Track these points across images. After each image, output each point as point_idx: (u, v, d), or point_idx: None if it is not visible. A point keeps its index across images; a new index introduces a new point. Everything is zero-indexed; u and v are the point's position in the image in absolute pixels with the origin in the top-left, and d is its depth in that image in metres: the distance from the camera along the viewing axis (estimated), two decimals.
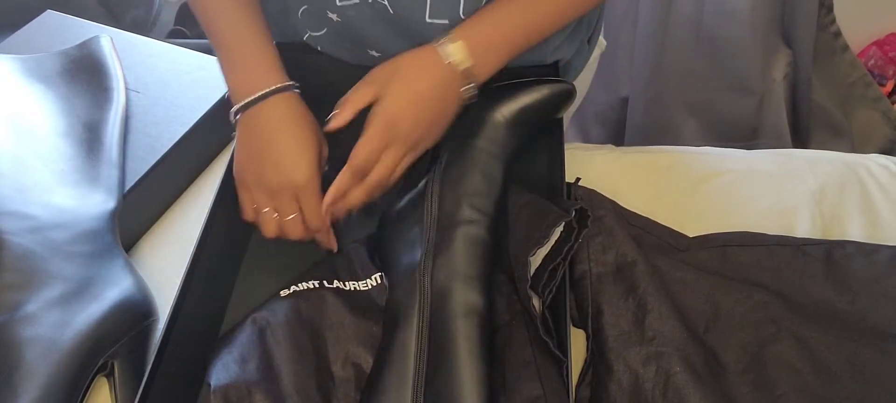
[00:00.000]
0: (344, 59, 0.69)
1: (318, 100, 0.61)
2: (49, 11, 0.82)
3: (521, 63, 0.62)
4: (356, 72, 0.59)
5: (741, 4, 1.26)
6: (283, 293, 0.57)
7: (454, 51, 0.51)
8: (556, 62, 0.69)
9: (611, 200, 0.65)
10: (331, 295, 0.56)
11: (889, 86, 1.52)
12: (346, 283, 0.57)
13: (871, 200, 0.68)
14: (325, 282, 0.57)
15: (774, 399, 0.52)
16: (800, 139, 1.38)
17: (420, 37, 0.58)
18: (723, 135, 1.39)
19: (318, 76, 0.71)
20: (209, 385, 0.51)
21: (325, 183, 0.56)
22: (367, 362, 0.52)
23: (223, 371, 0.51)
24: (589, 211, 0.55)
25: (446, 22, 0.58)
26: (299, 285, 0.57)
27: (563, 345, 0.51)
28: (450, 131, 0.57)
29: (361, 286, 0.57)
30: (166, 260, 0.64)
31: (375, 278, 0.57)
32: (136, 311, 0.55)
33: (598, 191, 0.65)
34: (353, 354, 0.52)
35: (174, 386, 0.50)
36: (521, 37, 0.55)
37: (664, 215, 0.65)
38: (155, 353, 0.47)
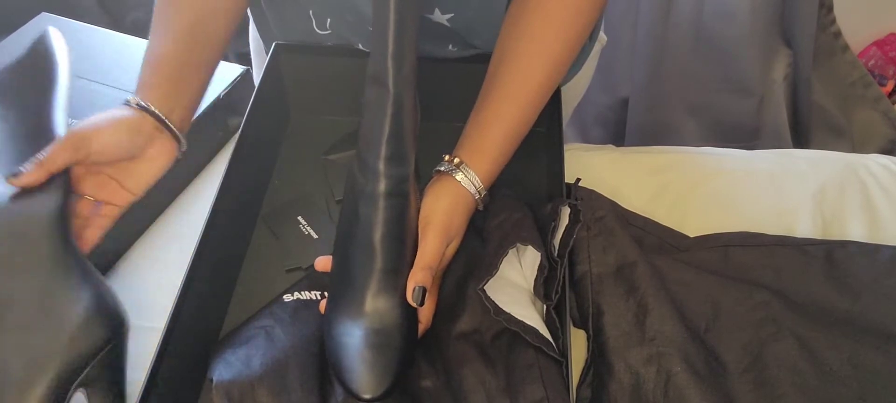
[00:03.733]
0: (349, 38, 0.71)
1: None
2: (44, 13, 0.82)
3: None
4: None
5: (741, 5, 1.26)
6: (287, 297, 0.57)
7: (469, 182, 0.55)
8: None
9: (611, 200, 0.65)
10: None
11: (889, 87, 1.52)
12: None
13: (871, 200, 0.68)
14: (324, 295, 0.58)
15: (775, 398, 0.51)
16: (800, 139, 1.38)
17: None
18: (723, 135, 1.39)
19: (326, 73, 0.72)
20: (211, 380, 0.51)
21: None
22: None
23: (226, 368, 0.51)
24: (581, 208, 0.56)
25: None
26: (302, 293, 0.58)
27: (564, 346, 0.51)
28: None
29: None
30: (167, 261, 0.63)
31: None
32: (100, 331, 0.47)
33: (599, 191, 0.65)
34: None
35: (175, 387, 0.50)
36: (514, 143, 0.58)
37: (664, 215, 0.65)
38: (156, 354, 0.47)
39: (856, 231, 0.65)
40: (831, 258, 0.61)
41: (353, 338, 0.49)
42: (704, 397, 0.50)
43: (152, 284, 0.62)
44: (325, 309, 0.52)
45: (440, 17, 0.65)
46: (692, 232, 0.64)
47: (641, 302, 0.56)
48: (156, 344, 0.47)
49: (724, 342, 0.55)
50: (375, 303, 0.49)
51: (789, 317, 0.56)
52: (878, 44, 1.52)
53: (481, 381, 0.50)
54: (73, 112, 0.70)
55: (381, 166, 0.49)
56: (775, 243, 0.62)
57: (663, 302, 0.56)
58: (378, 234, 0.50)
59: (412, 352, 0.51)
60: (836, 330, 0.55)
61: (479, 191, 0.55)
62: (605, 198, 0.65)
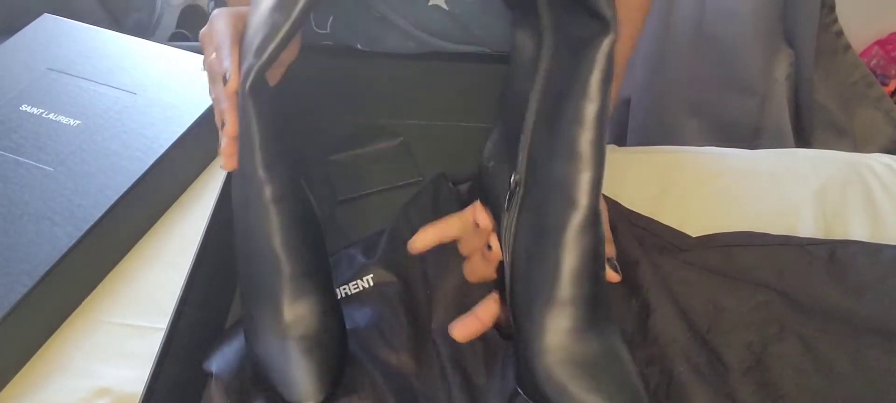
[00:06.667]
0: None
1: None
2: (46, 15, 0.82)
3: None
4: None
5: (742, 4, 1.26)
6: None
7: None
8: None
9: (613, 200, 0.65)
10: None
11: (891, 86, 1.51)
12: (337, 290, 0.58)
13: (873, 200, 0.67)
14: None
15: (778, 398, 0.51)
16: (802, 139, 1.38)
17: None
18: (725, 135, 1.39)
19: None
20: (210, 373, 0.51)
21: None
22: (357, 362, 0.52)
23: (223, 361, 0.51)
24: None
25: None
26: None
27: None
28: None
29: (352, 289, 0.58)
30: (169, 261, 0.63)
31: (367, 279, 0.58)
32: None
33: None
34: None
35: (176, 389, 0.50)
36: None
37: (666, 215, 0.65)
38: (158, 355, 0.47)
39: (858, 230, 0.65)
40: (834, 257, 0.61)
41: (283, 350, 0.47)
42: (707, 397, 0.50)
43: (154, 285, 0.62)
44: (245, 326, 0.51)
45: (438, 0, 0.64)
46: (694, 232, 0.64)
47: (644, 302, 0.56)
48: (158, 345, 0.47)
49: (727, 342, 0.55)
50: (295, 311, 0.48)
51: (792, 317, 0.56)
52: (881, 43, 1.52)
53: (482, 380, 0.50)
54: (73, 112, 0.70)
55: (262, 173, 0.48)
56: (778, 243, 0.62)
57: (665, 303, 0.56)
58: (277, 241, 0.48)
59: (345, 351, 0.50)
60: (840, 329, 0.55)
61: None
62: (607, 197, 0.65)
